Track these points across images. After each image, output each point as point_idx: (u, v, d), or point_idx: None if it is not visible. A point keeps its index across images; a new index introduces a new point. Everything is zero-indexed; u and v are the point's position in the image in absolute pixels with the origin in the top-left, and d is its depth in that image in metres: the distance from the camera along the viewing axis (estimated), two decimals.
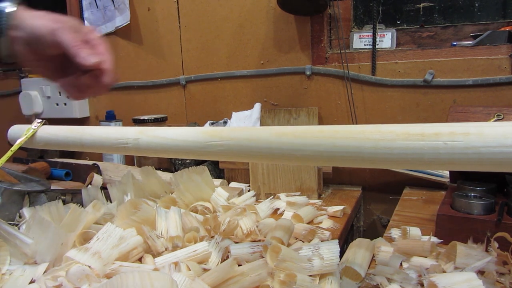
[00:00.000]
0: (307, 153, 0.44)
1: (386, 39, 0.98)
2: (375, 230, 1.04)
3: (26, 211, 0.70)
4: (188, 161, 1.06)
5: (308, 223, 0.72)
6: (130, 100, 1.29)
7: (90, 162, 1.07)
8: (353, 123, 1.00)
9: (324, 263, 0.49)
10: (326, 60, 1.02)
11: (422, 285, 0.49)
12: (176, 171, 0.82)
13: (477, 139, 0.36)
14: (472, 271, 0.47)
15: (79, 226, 0.63)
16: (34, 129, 0.68)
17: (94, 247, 0.54)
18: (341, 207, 0.79)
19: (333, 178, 1.00)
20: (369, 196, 1.03)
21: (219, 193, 0.75)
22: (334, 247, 0.51)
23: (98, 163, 1.05)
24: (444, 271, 0.52)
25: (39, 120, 0.68)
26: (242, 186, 0.93)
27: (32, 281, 0.52)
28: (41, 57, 0.59)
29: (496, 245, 0.51)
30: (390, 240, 0.62)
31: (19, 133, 0.75)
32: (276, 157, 0.47)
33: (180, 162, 1.08)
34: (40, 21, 0.57)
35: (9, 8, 0.57)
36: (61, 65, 0.61)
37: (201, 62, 1.16)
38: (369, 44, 0.99)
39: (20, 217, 0.70)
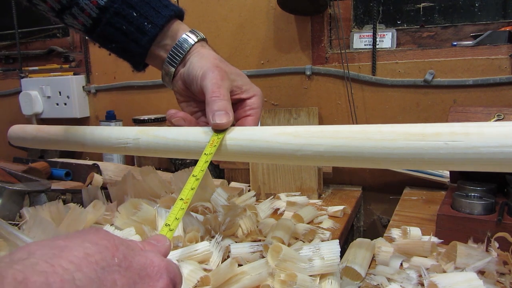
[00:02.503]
0: (307, 153, 0.44)
1: (386, 39, 0.98)
2: (375, 230, 1.04)
3: (26, 211, 0.70)
4: (188, 161, 1.06)
5: (308, 223, 0.72)
6: (130, 100, 1.29)
7: (90, 162, 1.07)
8: (353, 123, 1.00)
9: (324, 263, 0.49)
10: (326, 60, 1.02)
11: (422, 285, 0.49)
12: (176, 171, 0.82)
13: (477, 139, 0.36)
14: (472, 271, 0.47)
15: (79, 226, 0.63)
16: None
17: None
18: (341, 207, 0.79)
19: (333, 178, 1.00)
20: (369, 196, 1.03)
21: (219, 193, 0.75)
22: (334, 247, 0.51)
23: (98, 163, 1.05)
24: (444, 271, 0.52)
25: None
26: (242, 186, 0.93)
27: None
28: (192, 96, 0.58)
29: (497, 245, 0.51)
30: (390, 240, 0.62)
31: (19, 133, 0.75)
32: (276, 157, 0.47)
33: (180, 162, 1.08)
34: (202, 62, 0.55)
35: (188, 42, 0.57)
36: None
37: None
38: (369, 44, 0.99)
39: (20, 217, 0.70)
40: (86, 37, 0.63)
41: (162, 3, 0.57)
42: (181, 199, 0.43)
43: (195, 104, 0.59)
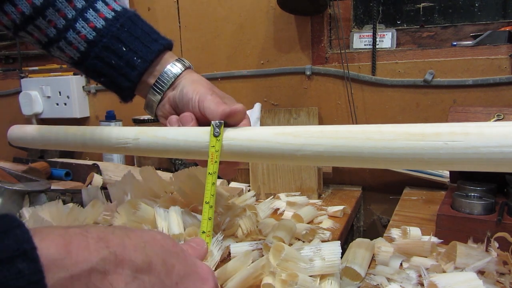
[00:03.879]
0: (307, 153, 0.44)
1: (386, 39, 0.98)
2: (375, 230, 1.04)
3: (26, 211, 0.70)
4: (188, 161, 1.06)
5: (308, 223, 0.72)
6: None
7: (90, 162, 1.07)
8: (353, 123, 1.00)
9: (325, 264, 0.49)
10: (326, 60, 1.02)
11: (422, 285, 0.49)
12: (176, 171, 0.82)
13: (477, 139, 0.36)
14: (472, 271, 0.47)
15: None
16: (217, 137, 0.50)
17: None
18: (341, 207, 0.79)
19: (333, 178, 1.00)
20: (369, 196, 1.03)
21: (219, 193, 0.75)
22: (335, 248, 0.51)
23: (98, 163, 1.05)
24: (444, 271, 0.52)
25: (217, 123, 0.51)
26: (242, 186, 0.93)
27: None
28: (178, 123, 0.58)
29: (496, 245, 0.51)
30: (390, 240, 0.62)
31: (19, 133, 0.75)
32: (276, 157, 0.47)
33: (180, 162, 1.08)
34: (195, 86, 0.55)
35: (176, 69, 0.58)
36: None
37: (201, 62, 1.16)
38: (369, 44, 0.99)
39: (20, 217, 0.70)
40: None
41: (151, 37, 0.57)
42: (203, 232, 0.46)
43: None
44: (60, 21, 0.55)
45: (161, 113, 0.60)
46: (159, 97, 0.58)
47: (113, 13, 0.57)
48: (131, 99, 0.63)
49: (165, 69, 0.57)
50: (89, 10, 0.55)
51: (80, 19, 0.55)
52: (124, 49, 0.55)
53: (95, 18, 0.55)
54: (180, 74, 0.58)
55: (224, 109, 0.51)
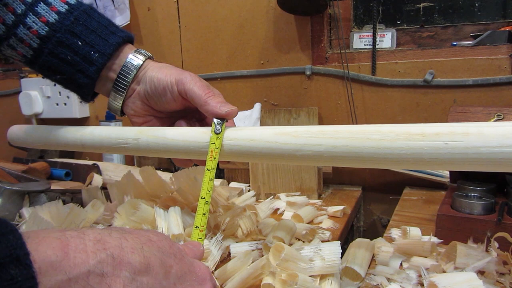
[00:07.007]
0: (307, 153, 0.44)
1: (386, 39, 0.98)
2: (375, 230, 1.04)
3: (26, 211, 0.70)
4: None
5: (308, 223, 0.72)
6: None
7: (90, 162, 1.07)
8: (353, 123, 1.00)
9: (325, 264, 0.49)
10: (326, 60, 1.02)
11: (422, 285, 0.49)
12: (176, 171, 0.82)
13: (477, 139, 0.36)
14: (472, 271, 0.47)
15: (78, 226, 0.63)
16: (218, 134, 0.50)
17: None
18: (341, 207, 0.79)
19: (333, 178, 1.00)
20: (369, 196, 1.03)
21: (219, 193, 0.75)
22: (335, 248, 0.51)
23: (98, 163, 1.05)
24: (444, 271, 0.52)
25: (219, 121, 0.51)
26: (242, 186, 0.93)
27: None
28: (153, 113, 0.57)
29: (496, 245, 0.51)
30: (390, 240, 0.62)
31: (19, 133, 0.75)
32: (276, 157, 0.47)
33: None
34: (165, 71, 0.53)
35: (137, 60, 0.55)
36: (169, 124, 0.59)
37: (201, 62, 1.16)
38: (369, 44, 0.99)
39: (20, 217, 0.70)
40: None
41: (109, 30, 0.54)
42: (197, 227, 0.45)
43: (158, 122, 0.58)
44: (8, 17, 0.52)
45: (133, 112, 0.57)
46: (123, 92, 0.55)
47: (66, 6, 0.53)
48: (92, 98, 0.60)
49: (126, 61, 0.55)
50: (40, 3, 0.52)
51: (31, 14, 0.52)
52: (80, 44, 0.52)
53: (46, 12, 0.52)
54: (142, 65, 0.55)
55: (206, 96, 0.51)
